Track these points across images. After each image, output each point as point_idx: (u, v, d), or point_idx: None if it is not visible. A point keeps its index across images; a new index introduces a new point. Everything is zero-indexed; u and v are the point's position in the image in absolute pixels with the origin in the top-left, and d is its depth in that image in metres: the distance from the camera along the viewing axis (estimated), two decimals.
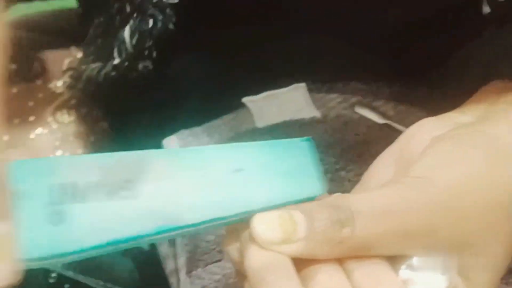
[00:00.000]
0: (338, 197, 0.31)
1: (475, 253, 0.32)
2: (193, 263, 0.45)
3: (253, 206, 0.30)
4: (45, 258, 0.27)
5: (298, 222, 0.29)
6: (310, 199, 0.31)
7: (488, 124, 0.35)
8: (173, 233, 0.30)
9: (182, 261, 0.45)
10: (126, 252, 0.57)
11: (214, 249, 0.44)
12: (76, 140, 0.58)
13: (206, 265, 0.44)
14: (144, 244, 0.29)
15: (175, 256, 0.46)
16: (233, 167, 0.31)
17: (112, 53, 0.47)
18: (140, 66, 0.46)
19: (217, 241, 0.44)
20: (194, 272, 0.44)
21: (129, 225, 0.29)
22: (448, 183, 0.32)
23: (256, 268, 0.29)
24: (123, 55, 0.45)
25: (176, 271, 0.46)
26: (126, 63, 0.46)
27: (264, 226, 0.29)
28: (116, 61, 0.45)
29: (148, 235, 0.29)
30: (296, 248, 0.29)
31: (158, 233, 0.29)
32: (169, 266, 0.47)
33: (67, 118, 0.59)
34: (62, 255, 0.28)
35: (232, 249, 0.32)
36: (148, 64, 0.46)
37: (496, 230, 0.32)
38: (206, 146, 0.36)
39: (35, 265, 0.27)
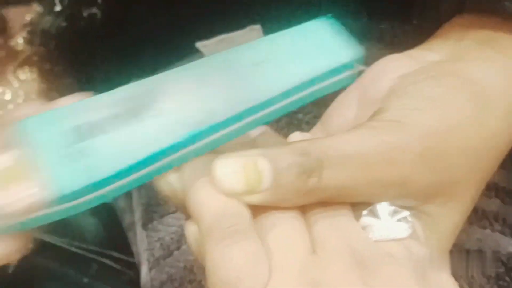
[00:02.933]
0: (306, 143, 0.28)
1: (444, 202, 0.29)
2: (148, 216, 0.43)
3: (289, 85, 0.30)
4: (77, 193, 0.27)
5: (264, 171, 0.27)
6: (349, 66, 0.31)
7: (460, 65, 0.32)
8: (207, 139, 0.29)
9: (138, 214, 0.44)
10: (92, 211, 0.56)
11: None
12: (39, 97, 0.57)
13: (162, 217, 0.43)
14: (176, 164, 0.29)
15: (131, 210, 0.45)
16: (254, 61, 0.31)
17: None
18: (85, 13, 0.44)
19: None
20: (150, 225, 0.43)
21: (156, 139, 0.28)
22: (429, 129, 0.29)
23: (211, 215, 0.27)
24: (65, 2, 0.44)
25: (133, 224, 0.45)
26: (69, 11, 0.44)
27: (227, 174, 0.27)
28: (58, 8, 0.44)
29: (179, 145, 0.28)
30: (260, 198, 0.27)
31: (189, 140, 0.28)
32: (126, 220, 0.46)
33: (29, 76, 0.57)
34: (94, 186, 0.27)
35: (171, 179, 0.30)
36: (95, 11, 0.44)
37: (469, 178, 0.30)
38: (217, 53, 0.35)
39: (68, 206, 0.27)
